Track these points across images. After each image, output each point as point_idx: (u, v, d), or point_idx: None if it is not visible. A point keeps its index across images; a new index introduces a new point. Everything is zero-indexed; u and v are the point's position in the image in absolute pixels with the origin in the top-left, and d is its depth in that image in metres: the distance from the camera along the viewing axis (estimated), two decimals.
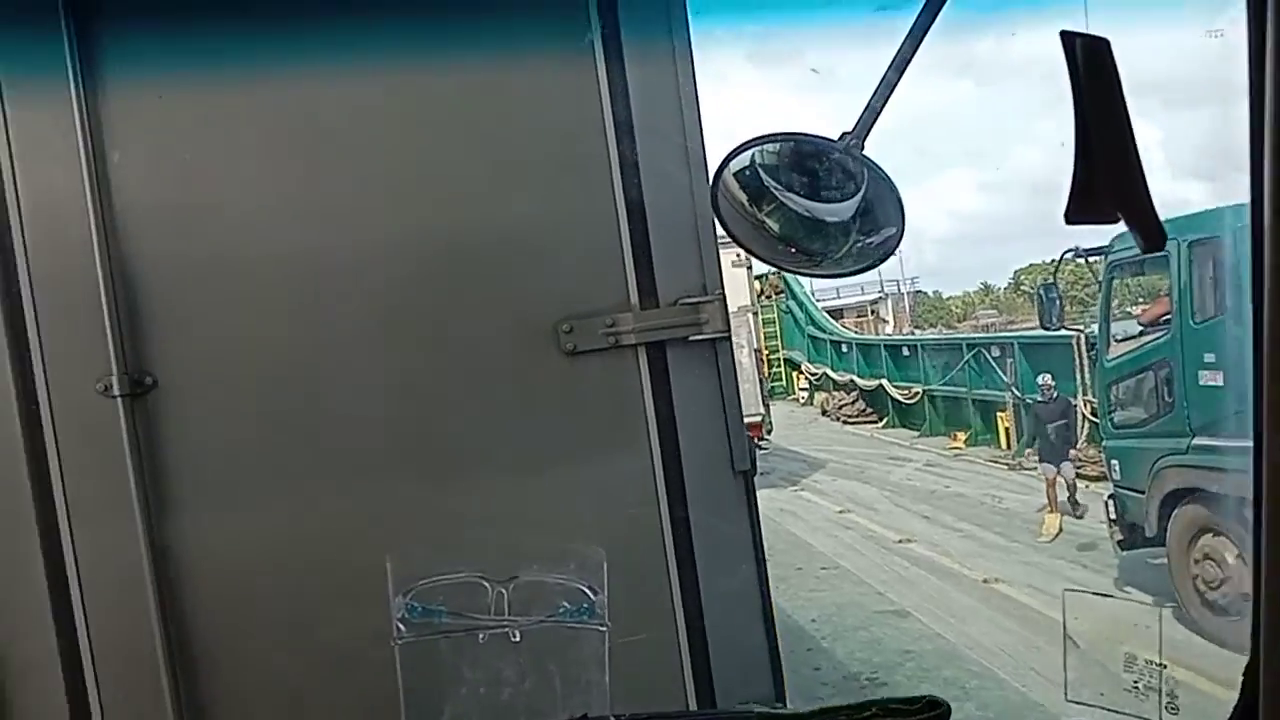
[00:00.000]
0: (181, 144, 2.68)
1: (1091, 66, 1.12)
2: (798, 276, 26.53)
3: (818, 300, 28.03)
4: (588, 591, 1.41)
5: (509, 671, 1.43)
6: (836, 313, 29.83)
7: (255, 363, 2.70)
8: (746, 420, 3.37)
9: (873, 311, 33.31)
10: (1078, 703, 1.93)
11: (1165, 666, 1.86)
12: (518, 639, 1.42)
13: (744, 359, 13.80)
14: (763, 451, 14.59)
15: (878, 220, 1.56)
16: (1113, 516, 10.08)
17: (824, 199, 1.57)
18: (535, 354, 2.72)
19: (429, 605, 1.38)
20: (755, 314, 16.74)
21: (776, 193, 1.57)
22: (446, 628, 1.38)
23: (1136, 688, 1.86)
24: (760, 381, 15.60)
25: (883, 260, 1.59)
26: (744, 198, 1.58)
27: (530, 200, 2.77)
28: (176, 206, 2.69)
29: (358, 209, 2.73)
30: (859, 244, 1.59)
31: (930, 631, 9.58)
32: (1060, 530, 12.60)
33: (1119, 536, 10.04)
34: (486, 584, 1.41)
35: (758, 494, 2.95)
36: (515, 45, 2.70)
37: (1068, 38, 1.15)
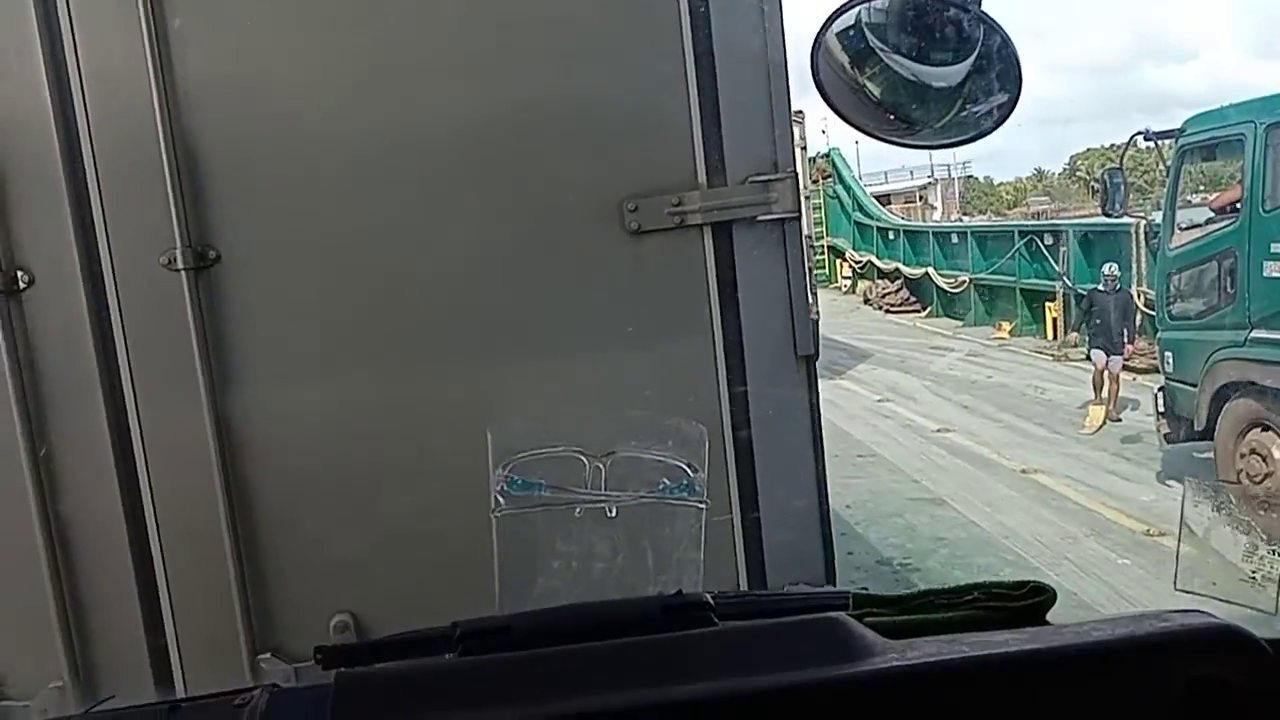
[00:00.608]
0: (244, 12, 2.58)
1: None
2: (847, 161, 25.98)
3: (865, 185, 27.39)
4: (687, 469, 1.39)
5: (603, 546, 1.43)
6: (884, 198, 29.21)
7: (319, 237, 2.66)
8: None
9: (921, 198, 32.59)
10: (1187, 592, 1.89)
11: None
12: (613, 514, 1.42)
13: None
14: None
15: (989, 87, 1.45)
16: (1161, 409, 9.97)
17: (934, 61, 1.46)
18: (599, 233, 2.66)
19: (528, 479, 1.37)
20: (806, 198, 16.46)
21: (881, 54, 1.46)
22: (545, 501, 1.38)
23: (1254, 578, 1.82)
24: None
25: (989, 131, 1.48)
26: (845, 60, 1.48)
27: (595, 67, 2.65)
28: (240, 77, 2.61)
29: (421, 80, 2.64)
30: (964, 112, 1.48)
31: (965, 520, 9.63)
32: (1105, 423, 12.51)
33: (1165, 430, 9.95)
34: (584, 459, 1.40)
35: None
36: None
37: None
